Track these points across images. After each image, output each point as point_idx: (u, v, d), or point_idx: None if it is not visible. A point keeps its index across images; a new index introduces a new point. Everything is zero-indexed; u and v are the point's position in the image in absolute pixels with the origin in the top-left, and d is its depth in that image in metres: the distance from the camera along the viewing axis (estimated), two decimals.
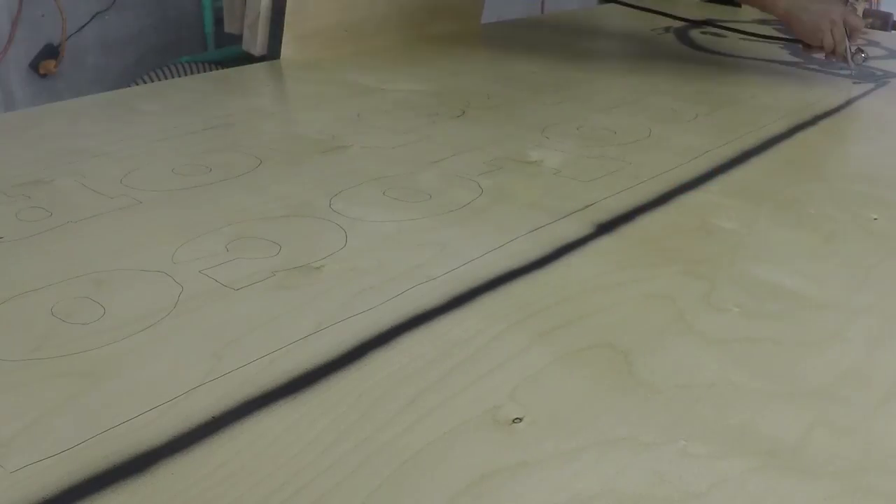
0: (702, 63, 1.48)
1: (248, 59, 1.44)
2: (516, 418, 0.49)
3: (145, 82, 1.81)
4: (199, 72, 1.82)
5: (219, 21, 2.01)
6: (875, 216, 0.81)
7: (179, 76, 1.85)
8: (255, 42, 1.43)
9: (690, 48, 1.60)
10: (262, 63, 1.40)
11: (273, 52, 1.41)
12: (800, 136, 1.06)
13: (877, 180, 0.91)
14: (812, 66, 1.46)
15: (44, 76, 1.91)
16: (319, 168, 0.89)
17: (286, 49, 1.40)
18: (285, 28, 1.39)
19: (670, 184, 0.87)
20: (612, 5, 2.09)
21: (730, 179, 0.90)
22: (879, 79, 1.39)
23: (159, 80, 1.85)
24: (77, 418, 0.48)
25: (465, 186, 0.84)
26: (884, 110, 1.22)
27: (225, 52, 2.02)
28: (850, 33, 1.31)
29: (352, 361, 0.54)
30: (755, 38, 1.58)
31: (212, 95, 1.21)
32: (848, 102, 1.23)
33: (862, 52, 1.36)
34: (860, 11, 2.05)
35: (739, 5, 2.03)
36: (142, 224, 0.74)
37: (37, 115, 1.11)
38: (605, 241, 0.73)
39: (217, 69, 1.66)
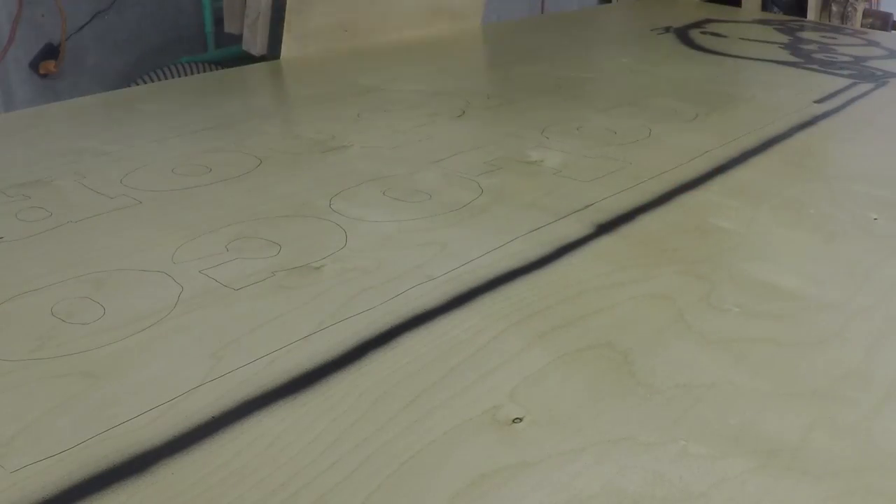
0: (702, 63, 1.48)
1: (248, 59, 1.44)
2: (516, 418, 0.49)
3: (145, 82, 1.81)
4: (199, 72, 1.82)
5: (219, 21, 2.01)
6: (875, 216, 0.81)
7: (179, 76, 1.85)
8: (255, 42, 1.43)
9: (690, 48, 1.60)
10: (262, 63, 1.40)
11: (273, 52, 1.41)
12: (799, 136, 1.06)
13: (876, 180, 0.91)
14: (812, 66, 1.46)
15: (44, 76, 1.91)
16: (319, 168, 0.89)
17: (286, 49, 1.40)
18: (285, 28, 1.39)
19: (670, 184, 0.87)
20: (611, 6, 2.09)
21: (730, 179, 0.89)
22: (879, 79, 1.39)
23: (159, 80, 1.85)
24: (77, 418, 0.48)
25: (465, 186, 0.84)
26: (883, 110, 1.22)
27: (225, 52, 2.02)
28: None
29: (352, 361, 0.54)
30: None
31: (212, 95, 1.21)
32: (848, 103, 1.23)
33: None
34: (860, 11, 2.05)
35: (740, 4, 2.03)
36: (142, 224, 0.74)
37: (37, 115, 1.11)
38: (605, 241, 0.73)
39: (217, 69, 1.66)
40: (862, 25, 1.96)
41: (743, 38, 1.69)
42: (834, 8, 2.14)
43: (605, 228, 0.76)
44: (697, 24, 1.80)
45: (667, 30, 1.73)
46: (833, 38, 1.74)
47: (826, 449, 0.48)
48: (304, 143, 0.97)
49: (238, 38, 1.49)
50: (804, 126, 1.10)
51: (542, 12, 2.97)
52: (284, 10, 1.36)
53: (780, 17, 1.97)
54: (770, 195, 0.85)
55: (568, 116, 1.10)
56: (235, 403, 0.50)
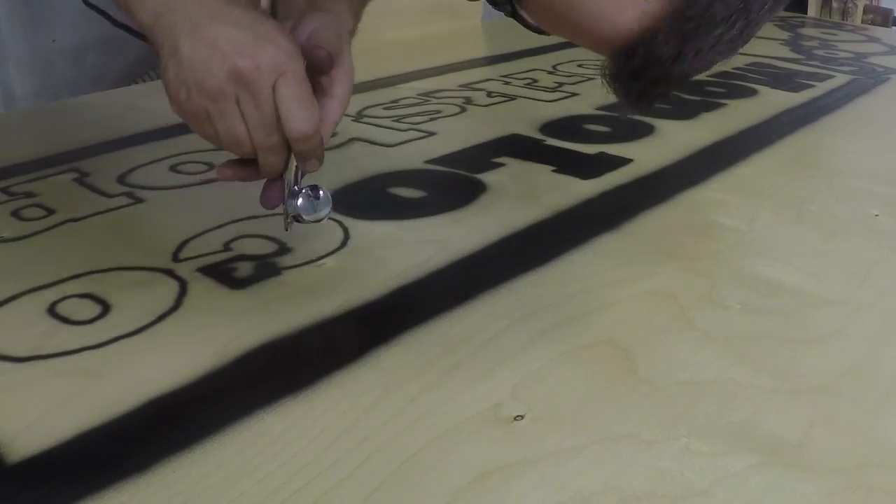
0: None
1: None
2: (518, 416, 0.49)
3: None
4: None
5: None
6: (876, 213, 0.81)
7: None
8: None
9: None
10: None
11: None
12: (801, 132, 1.06)
13: (878, 177, 0.91)
14: (813, 63, 1.46)
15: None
16: None
17: None
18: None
19: (671, 181, 0.87)
20: None
21: (731, 176, 0.89)
22: (880, 75, 1.39)
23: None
24: (77, 417, 0.48)
25: (467, 183, 0.84)
26: (884, 107, 1.22)
27: None
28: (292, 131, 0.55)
29: (353, 359, 0.54)
30: None
31: None
32: (849, 99, 1.22)
33: (314, 190, 0.61)
34: (860, 8, 2.04)
35: None
36: (142, 222, 0.74)
37: (37, 115, 1.11)
38: (606, 239, 0.73)
39: None
40: (863, 22, 1.96)
41: None
42: (835, 4, 2.14)
43: (606, 225, 0.76)
44: None
45: None
46: (834, 34, 1.74)
47: (828, 445, 0.48)
48: None
49: None
50: (805, 123, 1.10)
51: None
52: None
53: (781, 13, 1.97)
54: (771, 192, 0.85)
55: (568, 114, 1.10)
56: (236, 402, 0.50)
